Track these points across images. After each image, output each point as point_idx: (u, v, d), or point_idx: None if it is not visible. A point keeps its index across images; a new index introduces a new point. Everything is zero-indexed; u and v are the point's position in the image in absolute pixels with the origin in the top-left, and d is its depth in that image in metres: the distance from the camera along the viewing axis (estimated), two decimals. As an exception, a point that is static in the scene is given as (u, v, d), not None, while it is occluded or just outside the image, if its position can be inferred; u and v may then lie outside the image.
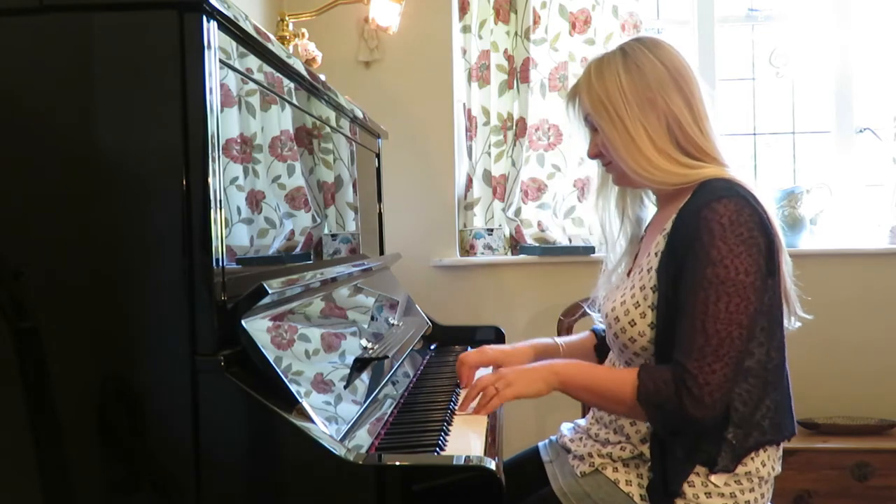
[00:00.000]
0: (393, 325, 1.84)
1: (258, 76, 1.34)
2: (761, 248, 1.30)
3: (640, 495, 1.40)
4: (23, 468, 1.11)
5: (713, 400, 1.28)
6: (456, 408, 1.51)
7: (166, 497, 1.11)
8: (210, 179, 1.10)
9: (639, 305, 1.39)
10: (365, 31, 2.85)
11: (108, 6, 1.10)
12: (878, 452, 2.58)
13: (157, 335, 1.10)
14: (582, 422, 1.60)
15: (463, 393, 1.56)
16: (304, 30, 2.31)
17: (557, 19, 2.88)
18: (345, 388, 1.32)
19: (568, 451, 1.55)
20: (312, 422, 1.10)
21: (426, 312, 2.24)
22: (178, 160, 1.09)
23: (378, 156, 2.34)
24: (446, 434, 1.34)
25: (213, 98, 1.10)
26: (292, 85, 1.52)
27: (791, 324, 1.43)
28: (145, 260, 1.11)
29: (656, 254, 1.39)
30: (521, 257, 2.89)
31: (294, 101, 1.53)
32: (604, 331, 1.59)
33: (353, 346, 1.47)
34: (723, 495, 1.35)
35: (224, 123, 1.18)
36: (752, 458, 1.36)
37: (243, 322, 1.12)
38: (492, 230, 2.97)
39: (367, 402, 1.37)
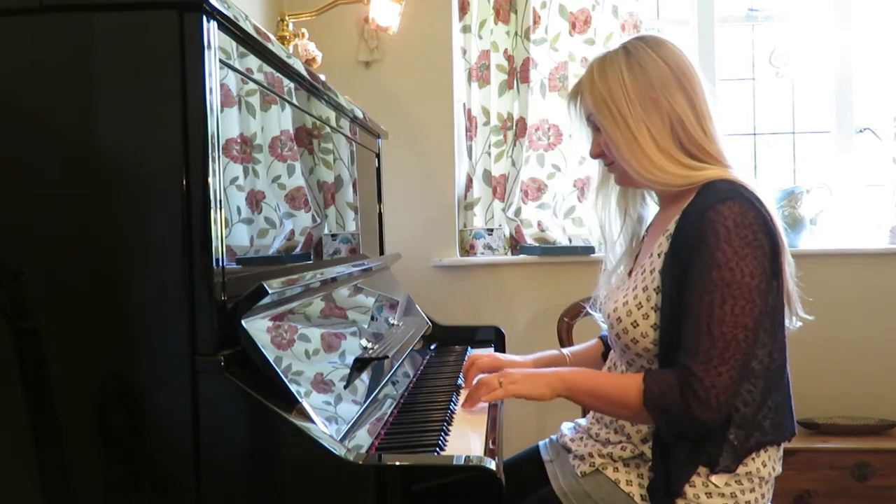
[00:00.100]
0: (393, 325, 1.84)
1: (258, 76, 1.34)
2: (766, 250, 1.30)
3: (641, 495, 1.40)
4: (23, 468, 1.11)
5: (719, 402, 1.28)
6: (456, 408, 1.52)
7: (166, 497, 1.11)
8: (210, 179, 1.10)
9: (641, 306, 1.39)
10: (365, 31, 2.85)
11: (108, 6, 1.10)
12: (878, 452, 2.58)
13: (157, 335, 1.10)
14: (583, 421, 1.60)
15: (464, 393, 1.56)
16: (304, 30, 2.31)
17: (557, 19, 2.88)
18: (345, 388, 1.32)
19: (568, 450, 1.55)
20: (312, 422, 1.10)
21: (426, 312, 2.24)
22: (178, 160, 1.09)
23: (378, 156, 2.34)
24: (446, 434, 1.34)
25: (213, 98, 1.10)
26: (292, 85, 1.52)
27: (792, 324, 1.43)
28: (145, 260, 1.11)
29: (659, 255, 1.39)
30: (521, 257, 2.89)
31: (294, 101, 1.53)
32: (609, 333, 1.58)
33: (353, 346, 1.47)
34: (723, 495, 1.35)
35: (224, 123, 1.18)
36: (752, 459, 1.36)
37: (243, 322, 1.12)
38: (492, 230, 2.97)
39: (367, 402, 1.37)
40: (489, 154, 2.99)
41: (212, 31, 1.11)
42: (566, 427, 1.64)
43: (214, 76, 1.11)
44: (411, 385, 1.70)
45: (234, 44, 1.21)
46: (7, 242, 1.12)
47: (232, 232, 1.23)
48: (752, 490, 1.37)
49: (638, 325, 1.39)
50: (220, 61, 1.15)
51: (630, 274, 1.52)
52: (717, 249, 1.28)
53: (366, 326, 1.63)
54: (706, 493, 1.34)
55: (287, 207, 1.49)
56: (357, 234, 2.02)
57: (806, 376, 2.09)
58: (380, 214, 2.35)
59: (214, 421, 1.09)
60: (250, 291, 1.13)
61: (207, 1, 1.07)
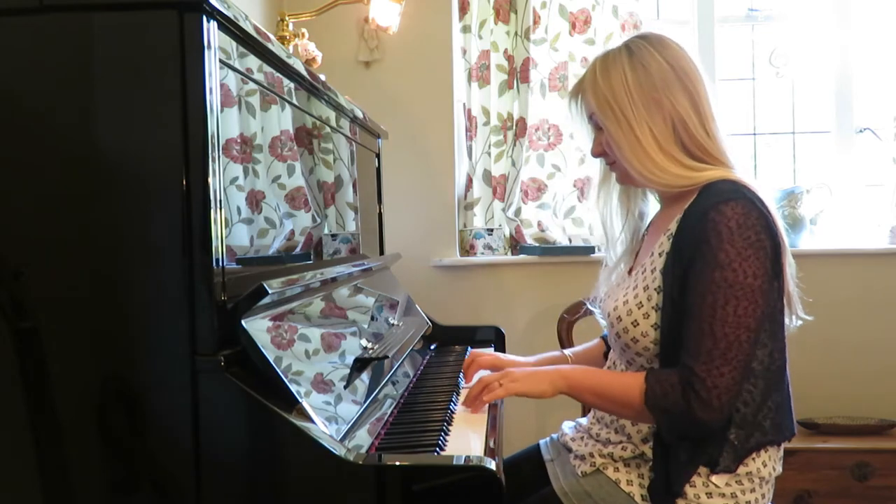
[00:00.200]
0: (393, 325, 1.84)
1: (258, 76, 1.33)
2: (768, 251, 1.30)
3: (641, 495, 1.40)
4: (23, 468, 1.11)
5: (721, 403, 1.28)
6: (456, 408, 1.52)
7: (166, 497, 1.11)
8: (210, 179, 1.10)
9: (642, 306, 1.39)
10: (365, 31, 2.85)
11: (108, 6, 1.10)
12: (878, 452, 2.58)
13: (157, 335, 1.10)
14: (583, 421, 1.60)
15: (464, 392, 1.56)
16: (304, 30, 2.31)
17: (557, 19, 2.88)
18: (345, 388, 1.32)
19: (569, 450, 1.55)
20: (312, 422, 1.10)
21: (426, 312, 2.24)
22: (178, 160, 1.09)
23: (378, 156, 2.34)
24: (446, 434, 1.34)
25: (213, 98, 1.10)
26: (292, 85, 1.52)
27: (792, 322, 1.43)
28: (145, 260, 1.11)
29: (660, 254, 1.39)
30: (521, 257, 2.89)
31: (294, 101, 1.53)
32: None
33: (353, 346, 1.47)
34: (724, 495, 1.35)
35: (224, 123, 1.18)
36: (753, 459, 1.36)
37: (243, 322, 1.12)
38: (492, 230, 2.97)
39: (367, 402, 1.37)
40: (489, 154, 2.99)
41: (212, 31, 1.11)
42: (567, 426, 1.64)
43: (214, 76, 1.11)
44: (411, 385, 1.70)
45: (234, 44, 1.21)
46: (7, 242, 1.12)
47: (232, 232, 1.23)
48: (753, 490, 1.37)
49: (638, 324, 1.39)
50: (220, 61, 1.15)
51: (630, 272, 1.52)
52: (720, 250, 1.28)
53: (366, 326, 1.63)
54: (706, 493, 1.34)
55: (287, 207, 1.49)
56: (357, 234, 2.02)
57: (806, 376, 2.09)
58: (380, 214, 2.35)
59: (214, 421, 1.09)
60: (250, 291, 1.13)
61: (207, 1, 1.07)
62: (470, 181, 3.01)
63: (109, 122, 1.10)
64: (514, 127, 2.95)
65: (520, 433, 2.57)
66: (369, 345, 1.52)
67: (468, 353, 1.85)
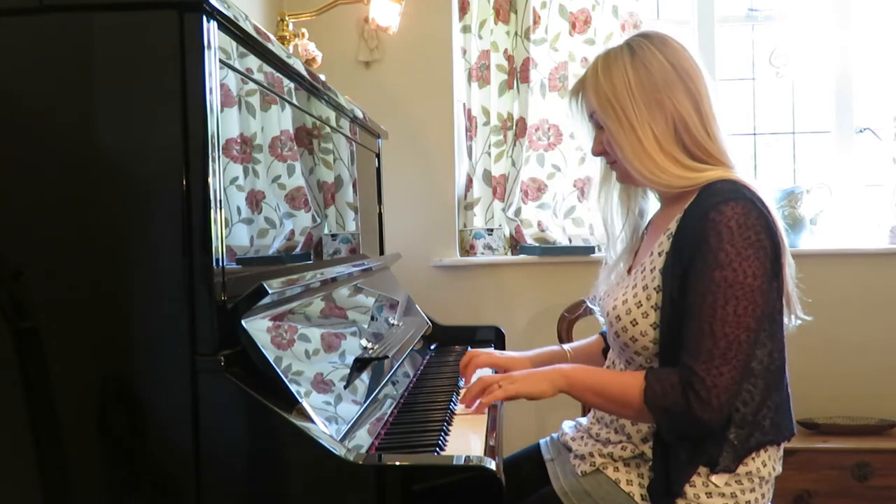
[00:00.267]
0: (393, 325, 1.84)
1: (258, 76, 1.34)
2: (767, 251, 1.30)
3: (641, 495, 1.40)
4: (23, 468, 1.11)
5: (720, 403, 1.28)
6: (456, 407, 1.52)
7: (166, 497, 1.11)
8: (210, 179, 1.10)
9: (641, 305, 1.39)
10: (365, 31, 2.85)
11: (108, 6, 1.10)
12: (878, 452, 2.58)
13: (157, 335, 1.10)
14: (583, 420, 1.60)
15: (464, 391, 1.56)
16: (304, 30, 2.31)
17: (557, 19, 2.88)
18: (345, 388, 1.32)
19: (569, 449, 1.55)
20: (312, 422, 1.10)
21: (426, 312, 2.24)
22: (178, 160, 1.09)
23: (378, 156, 2.34)
24: (446, 434, 1.34)
25: (213, 98, 1.10)
26: (292, 85, 1.52)
27: (791, 322, 1.43)
28: (145, 260, 1.11)
29: (660, 253, 1.39)
30: (521, 257, 2.89)
31: (294, 101, 1.53)
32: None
33: (353, 346, 1.47)
34: (723, 495, 1.35)
35: (224, 123, 1.18)
36: (752, 459, 1.36)
37: (243, 322, 1.12)
38: (492, 230, 2.97)
39: (367, 402, 1.37)
40: (489, 154, 2.99)
41: (212, 31, 1.11)
42: (567, 425, 1.64)
43: (214, 76, 1.11)
44: (411, 385, 1.70)
45: (234, 44, 1.21)
46: (7, 242, 1.12)
47: (232, 232, 1.23)
48: (753, 490, 1.37)
49: (637, 323, 1.39)
50: (220, 61, 1.15)
51: (629, 271, 1.52)
52: (720, 250, 1.28)
53: (366, 326, 1.63)
54: (706, 493, 1.34)
55: (287, 207, 1.49)
56: (357, 234, 2.03)
57: (806, 376, 2.09)
58: (380, 214, 2.36)
59: (214, 421, 1.09)
60: (250, 291, 1.13)
61: (207, 1, 1.07)
62: (470, 181, 3.01)
63: (109, 122, 1.10)
64: (514, 127, 2.95)
65: (520, 433, 2.57)
66: (369, 345, 1.52)
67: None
